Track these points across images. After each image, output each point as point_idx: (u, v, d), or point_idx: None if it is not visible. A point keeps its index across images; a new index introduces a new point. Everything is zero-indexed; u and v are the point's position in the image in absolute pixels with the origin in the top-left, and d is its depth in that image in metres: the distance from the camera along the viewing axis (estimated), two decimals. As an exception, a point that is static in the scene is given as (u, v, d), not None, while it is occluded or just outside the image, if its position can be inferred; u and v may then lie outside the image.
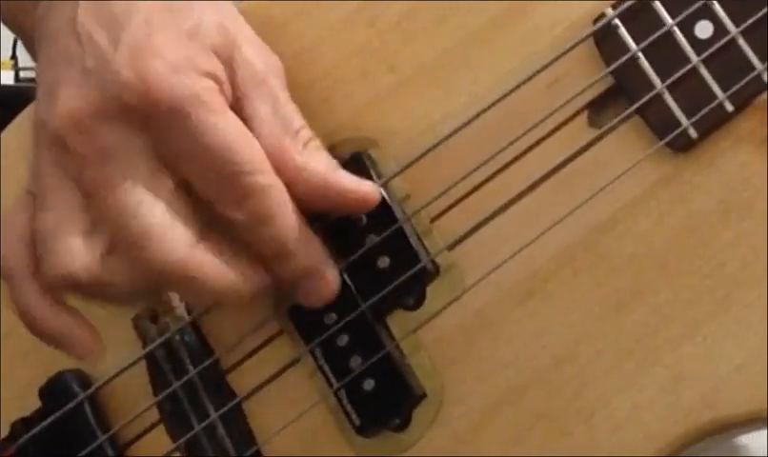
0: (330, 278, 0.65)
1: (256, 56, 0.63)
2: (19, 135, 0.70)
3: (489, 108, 0.65)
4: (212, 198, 0.61)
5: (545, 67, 0.65)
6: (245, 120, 0.62)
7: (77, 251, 0.60)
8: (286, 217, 0.62)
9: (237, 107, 0.62)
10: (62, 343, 0.64)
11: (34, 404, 0.71)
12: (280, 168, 0.62)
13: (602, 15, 0.64)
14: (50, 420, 0.70)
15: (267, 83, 0.63)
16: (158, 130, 0.60)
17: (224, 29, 0.62)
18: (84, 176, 0.60)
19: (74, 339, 0.64)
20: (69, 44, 0.60)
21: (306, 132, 0.64)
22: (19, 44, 2.22)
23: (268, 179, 0.61)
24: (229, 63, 0.62)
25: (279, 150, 0.62)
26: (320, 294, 0.65)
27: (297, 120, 0.64)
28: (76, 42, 0.60)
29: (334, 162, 0.64)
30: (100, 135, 0.59)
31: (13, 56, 2.35)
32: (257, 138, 0.62)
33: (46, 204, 0.61)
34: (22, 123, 0.71)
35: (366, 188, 0.65)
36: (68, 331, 0.64)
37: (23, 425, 0.71)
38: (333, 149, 0.67)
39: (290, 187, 0.62)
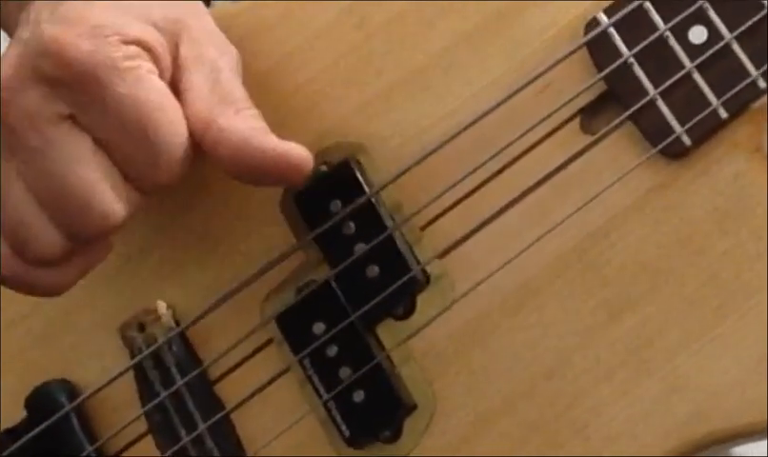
0: None
1: (207, 39, 0.63)
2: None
3: (481, 115, 0.64)
4: (127, 161, 0.61)
5: (540, 75, 0.64)
6: (180, 92, 0.61)
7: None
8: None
9: (175, 80, 0.62)
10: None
11: (20, 414, 0.70)
12: (204, 134, 0.61)
13: (594, 21, 0.63)
14: (35, 431, 0.69)
15: (212, 61, 0.62)
16: (75, 96, 0.59)
17: (174, 10, 0.62)
18: (10, 143, 0.60)
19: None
20: (20, 29, 0.60)
21: (244, 104, 0.62)
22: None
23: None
24: (173, 40, 0.62)
25: (205, 115, 0.61)
26: None
27: (239, 95, 0.63)
28: (25, 22, 0.60)
29: (266, 128, 0.62)
30: (23, 100, 0.59)
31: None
32: (188, 109, 0.61)
33: None
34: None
35: (296, 150, 0.62)
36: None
37: (8, 436, 0.70)
38: (321, 155, 0.66)
39: (212, 151, 0.61)
